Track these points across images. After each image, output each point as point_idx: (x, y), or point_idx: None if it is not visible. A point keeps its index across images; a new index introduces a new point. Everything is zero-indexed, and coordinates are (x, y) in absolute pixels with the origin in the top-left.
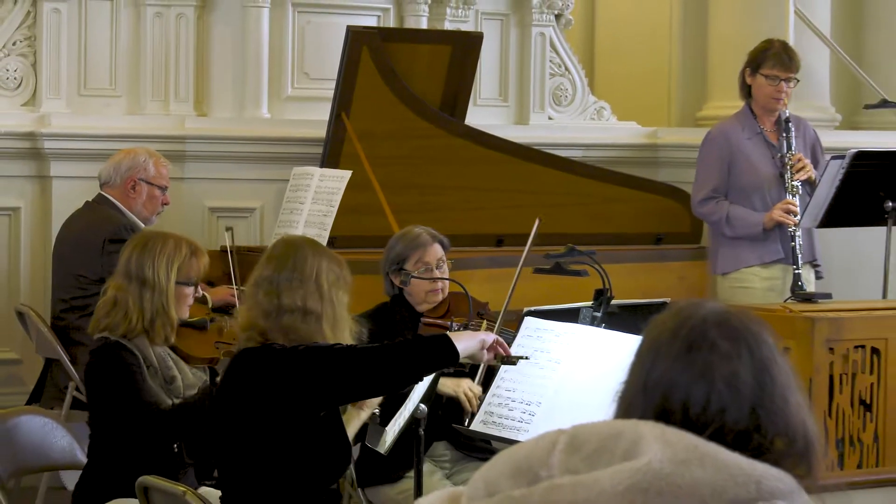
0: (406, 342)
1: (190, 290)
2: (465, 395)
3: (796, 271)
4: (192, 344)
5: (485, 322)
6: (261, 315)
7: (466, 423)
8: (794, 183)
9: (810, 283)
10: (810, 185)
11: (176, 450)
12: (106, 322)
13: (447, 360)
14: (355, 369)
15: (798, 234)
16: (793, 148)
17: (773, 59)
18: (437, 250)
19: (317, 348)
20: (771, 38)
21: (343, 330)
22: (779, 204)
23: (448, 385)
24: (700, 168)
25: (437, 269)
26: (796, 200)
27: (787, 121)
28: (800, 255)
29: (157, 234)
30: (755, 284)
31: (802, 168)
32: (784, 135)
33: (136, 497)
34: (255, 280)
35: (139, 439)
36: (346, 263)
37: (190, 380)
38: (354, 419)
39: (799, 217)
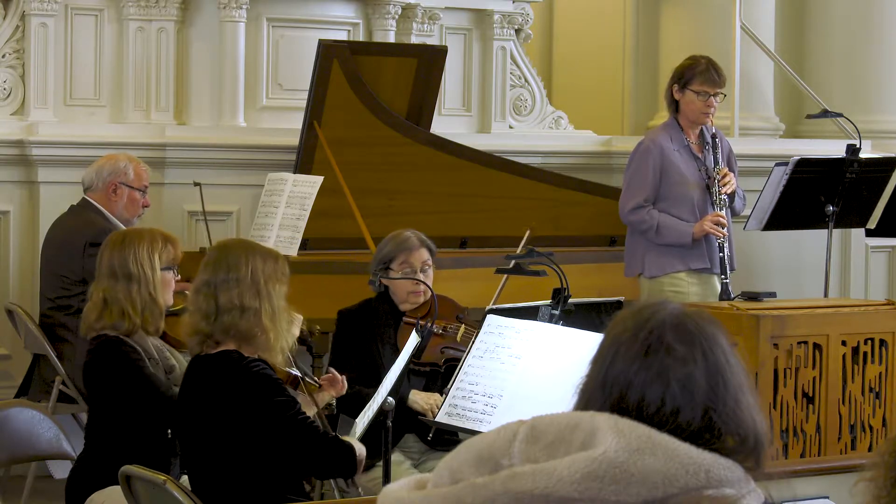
0: (329, 442)
1: (171, 275)
2: (433, 411)
3: (725, 281)
4: (181, 331)
5: (462, 326)
6: (201, 319)
7: (430, 436)
8: (722, 196)
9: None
10: (729, 195)
11: (170, 436)
12: (102, 323)
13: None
14: (290, 435)
15: (726, 245)
16: (720, 163)
17: (701, 75)
18: (422, 254)
19: (263, 388)
20: (696, 54)
21: (281, 321)
22: (709, 216)
23: (419, 401)
24: (632, 177)
25: (421, 271)
26: (724, 213)
27: (714, 136)
28: (728, 266)
29: (130, 231)
30: (681, 289)
31: (728, 182)
32: (710, 149)
33: None
34: (195, 287)
35: (151, 424)
36: (282, 257)
37: (185, 366)
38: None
39: (727, 229)
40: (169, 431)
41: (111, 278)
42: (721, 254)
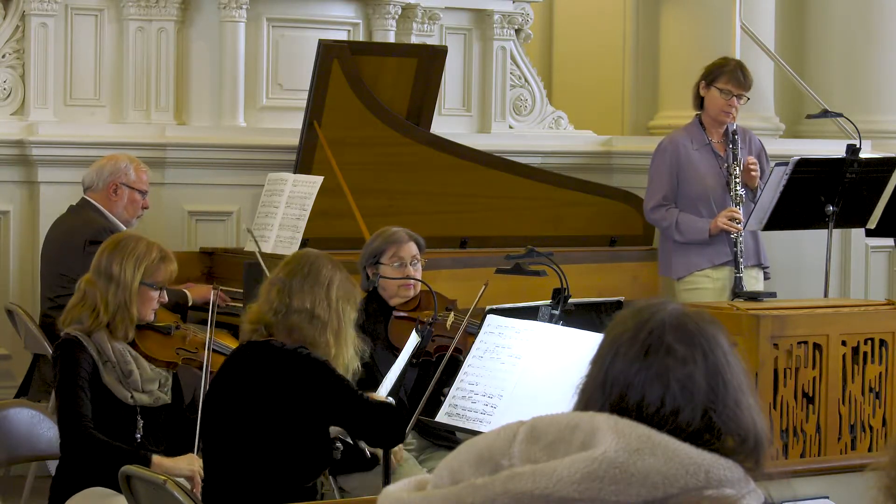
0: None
1: (154, 293)
2: (395, 455)
3: (738, 275)
4: (153, 346)
5: (451, 314)
6: (270, 311)
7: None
8: (739, 192)
9: (759, 284)
10: (752, 191)
11: (139, 439)
12: (72, 315)
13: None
14: (341, 406)
15: (741, 240)
16: (738, 159)
17: (728, 74)
18: (411, 247)
19: (316, 366)
20: (728, 56)
21: (346, 344)
22: (723, 212)
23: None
24: (651, 177)
25: (410, 265)
26: (740, 209)
27: (734, 133)
28: (741, 260)
29: (130, 236)
30: (706, 286)
31: (753, 175)
32: (730, 146)
33: (108, 486)
34: (270, 280)
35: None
36: (358, 286)
37: (149, 374)
38: None
39: (742, 223)
40: (138, 436)
41: (95, 274)
42: (735, 248)
